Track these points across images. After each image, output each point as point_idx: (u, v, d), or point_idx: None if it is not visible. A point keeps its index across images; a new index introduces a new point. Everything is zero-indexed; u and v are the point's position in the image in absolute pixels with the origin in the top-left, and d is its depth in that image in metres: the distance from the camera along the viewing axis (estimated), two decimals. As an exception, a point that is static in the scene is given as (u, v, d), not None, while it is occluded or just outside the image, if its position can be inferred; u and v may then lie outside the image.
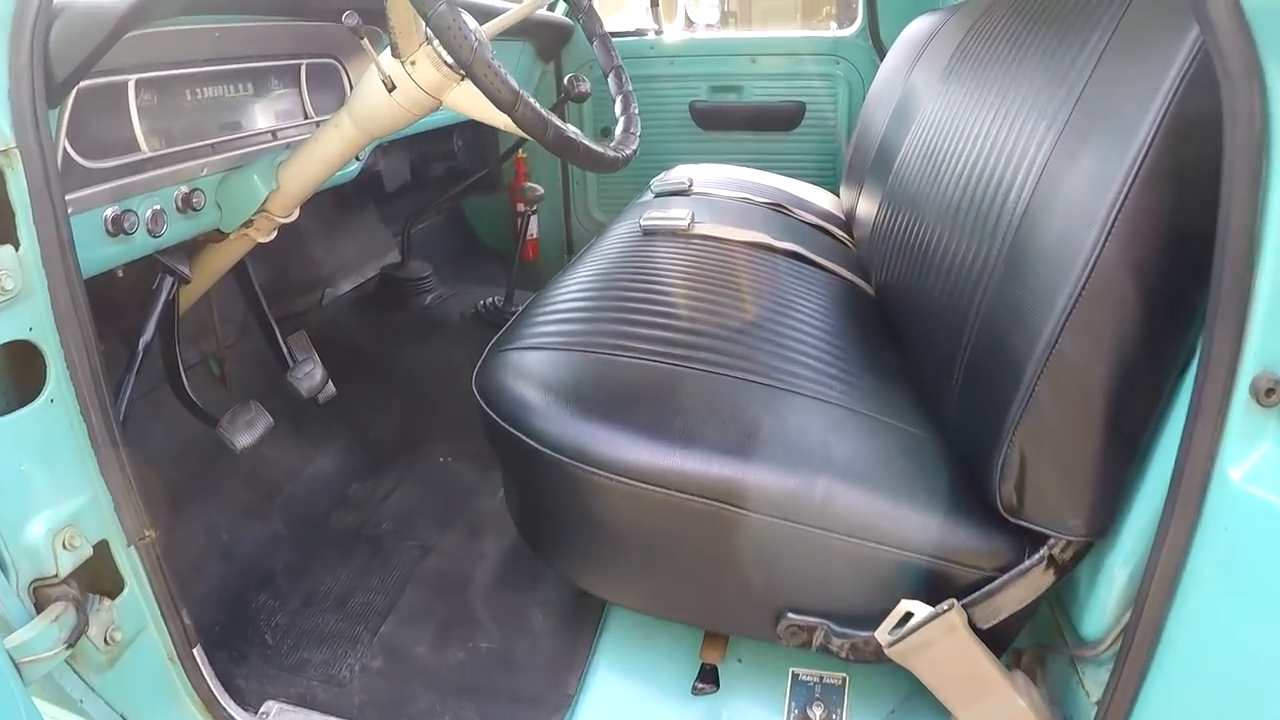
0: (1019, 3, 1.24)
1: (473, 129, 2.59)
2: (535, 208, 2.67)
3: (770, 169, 2.42)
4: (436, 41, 1.09)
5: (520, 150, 2.72)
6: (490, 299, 2.18)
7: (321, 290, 2.02)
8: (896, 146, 1.60)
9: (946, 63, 1.47)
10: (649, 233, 1.51)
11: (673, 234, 1.50)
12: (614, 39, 2.62)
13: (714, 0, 2.97)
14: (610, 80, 1.37)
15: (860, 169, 1.97)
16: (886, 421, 1.03)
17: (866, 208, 1.76)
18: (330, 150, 1.27)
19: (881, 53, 2.45)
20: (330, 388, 1.78)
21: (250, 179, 1.30)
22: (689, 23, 2.79)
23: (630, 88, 1.36)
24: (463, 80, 1.13)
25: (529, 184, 2.21)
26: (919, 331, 1.17)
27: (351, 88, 1.57)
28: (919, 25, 2.00)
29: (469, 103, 1.13)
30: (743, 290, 1.26)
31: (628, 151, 1.15)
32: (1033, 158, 0.93)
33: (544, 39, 2.55)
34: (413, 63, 1.10)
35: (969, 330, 0.98)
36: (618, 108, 1.31)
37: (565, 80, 1.81)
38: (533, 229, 2.77)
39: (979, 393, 0.94)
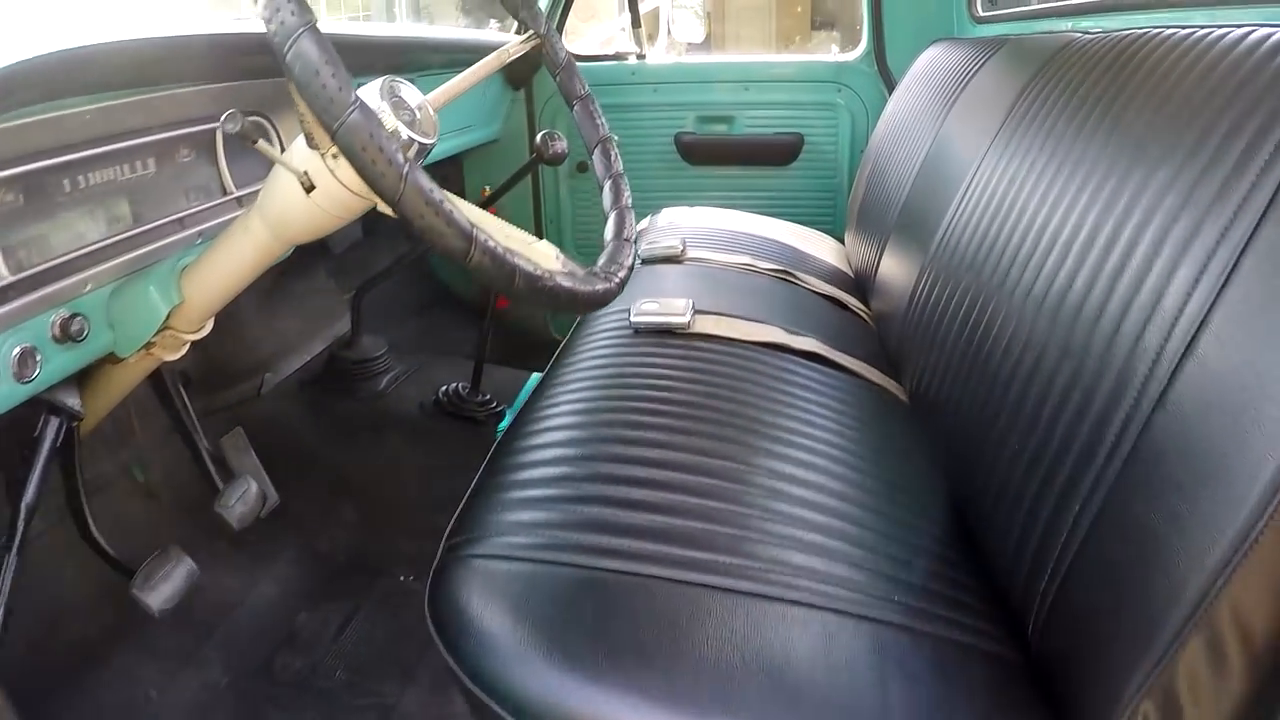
0: (1103, 61, 1.00)
1: (434, 173, 2.31)
2: None
3: (765, 209, 2.19)
4: None
5: (486, 186, 2.46)
6: (453, 385, 1.93)
7: (260, 377, 1.76)
8: (937, 207, 1.35)
9: (1003, 116, 1.21)
10: (641, 331, 1.27)
11: (670, 333, 1.26)
12: (591, 63, 2.41)
13: (697, 9, 2.74)
14: (596, 158, 1.11)
15: (877, 221, 1.73)
16: (953, 639, 0.80)
17: (893, 273, 1.51)
18: (241, 259, 1.00)
19: (889, 81, 2.21)
20: (273, 496, 1.53)
21: (146, 293, 1.03)
22: (672, 42, 2.55)
23: (621, 167, 1.09)
24: None
25: None
26: (982, 484, 0.93)
27: (283, 149, 1.31)
28: (940, 56, 1.77)
29: None
30: (761, 432, 1.02)
31: (623, 273, 0.90)
32: (1173, 314, 0.68)
33: (514, 65, 2.28)
34: (335, 155, 0.82)
35: (1067, 530, 0.74)
36: (605, 198, 1.05)
37: (538, 138, 1.56)
38: None
39: (1084, 627, 0.71)
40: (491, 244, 0.67)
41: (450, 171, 2.47)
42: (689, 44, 2.62)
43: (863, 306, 1.66)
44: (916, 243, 1.41)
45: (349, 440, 1.81)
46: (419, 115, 0.89)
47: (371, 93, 0.85)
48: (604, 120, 1.13)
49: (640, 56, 2.40)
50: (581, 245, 2.56)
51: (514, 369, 2.11)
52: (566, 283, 0.76)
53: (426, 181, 0.65)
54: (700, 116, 2.38)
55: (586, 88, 1.16)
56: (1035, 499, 0.80)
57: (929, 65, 1.82)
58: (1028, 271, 0.95)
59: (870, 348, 1.48)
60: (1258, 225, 0.64)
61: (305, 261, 2.00)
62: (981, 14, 1.97)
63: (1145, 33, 0.95)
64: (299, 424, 1.83)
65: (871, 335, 1.55)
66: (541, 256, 0.83)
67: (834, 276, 1.78)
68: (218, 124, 1.19)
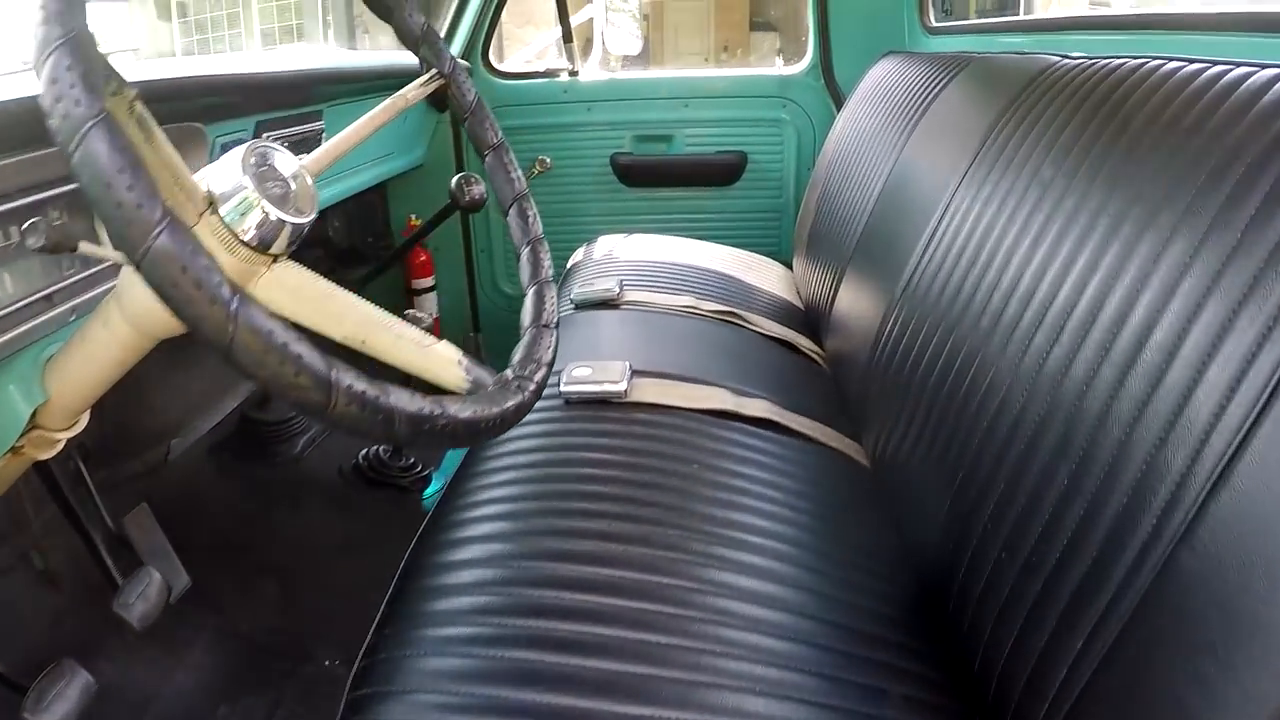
0: (1095, 94, 0.88)
1: (356, 205, 2.16)
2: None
3: (707, 233, 2.08)
4: (225, 208, 0.70)
5: (412, 215, 2.31)
6: (374, 448, 1.79)
7: (167, 444, 1.61)
8: (904, 243, 1.23)
9: (977, 147, 1.10)
10: (573, 403, 1.14)
11: (605, 404, 1.13)
12: (520, 81, 2.27)
13: (634, 16, 2.61)
14: (511, 218, 0.97)
15: (831, 249, 1.62)
16: None
17: (853, 312, 1.40)
18: (106, 355, 0.85)
19: (837, 95, 2.11)
20: (183, 579, 1.39)
21: (5, 392, 0.88)
22: (606, 56, 2.41)
23: (540, 229, 0.96)
24: (279, 259, 0.74)
25: (413, 312, 1.82)
26: (964, 585, 0.81)
27: None
28: (893, 71, 1.66)
29: (292, 299, 0.75)
30: (708, 532, 0.89)
31: (540, 374, 0.77)
32: (1203, 429, 0.56)
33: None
34: None
35: (1071, 661, 0.63)
36: (523, 270, 0.91)
37: (453, 183, 1.41)
38: (432, 307, 2.37)
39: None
40: (359, 387, 0.53)
41: (374, 201, 2.31)
42: (625, 57, 2.49)
43: (815, 347, 1.55)
44: (880, 281, 1.29)
45: (265, 511, 1.67)
46: (294, 186, 0.75)
47: (232, 164, 0.71)
48: (519, 174, 1.00)
49: (573, 73, 2.27)
50: (515, 274, 2.42)
51: None
52: (465, 412, 0.62)
53: (264, 320, 0.51)
54: (637, 136, 2.26)
55: (500, 135, 1.02)
56: (1031, 614, 0.69)
57: (881, 80, 1.71)
58: (1014, 341, 0.83)
59: (825, 396, 1.37)
60: None
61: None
62: (935, 24, 1.87)
63: (1142, 64, 0.83)
64: (211, 494, 1.68)
65: (827, 380, 1.44)
66: (439, 367, 0.70)
67: (783, 312, 1.67)
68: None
